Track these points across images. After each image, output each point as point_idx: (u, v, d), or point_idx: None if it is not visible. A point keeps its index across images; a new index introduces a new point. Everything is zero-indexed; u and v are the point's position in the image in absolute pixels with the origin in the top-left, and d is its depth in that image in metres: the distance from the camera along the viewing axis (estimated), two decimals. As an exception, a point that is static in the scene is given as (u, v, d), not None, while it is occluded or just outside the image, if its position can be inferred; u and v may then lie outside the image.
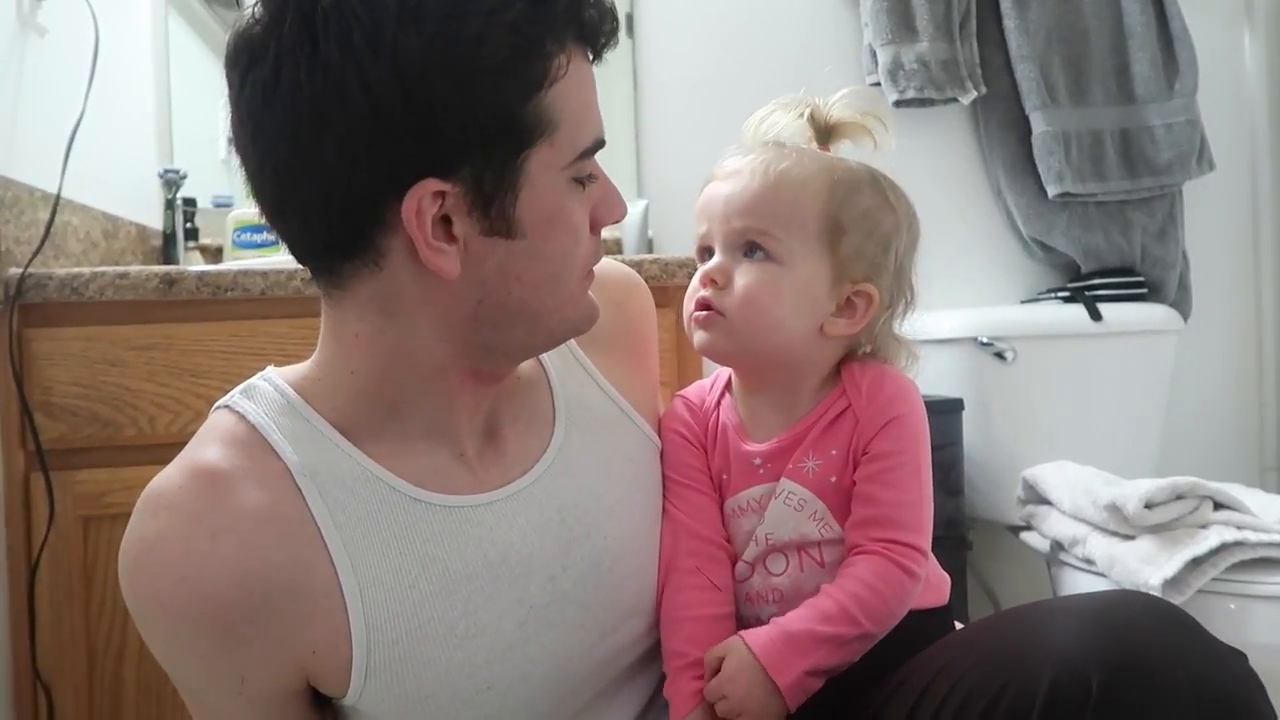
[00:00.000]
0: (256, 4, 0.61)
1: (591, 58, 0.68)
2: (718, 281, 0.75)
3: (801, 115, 0.80)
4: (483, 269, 0.64)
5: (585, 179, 0.67)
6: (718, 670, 0.70)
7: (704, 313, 0.75)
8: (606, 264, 0.83)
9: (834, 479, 0.74)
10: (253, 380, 0.70)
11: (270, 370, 0.71)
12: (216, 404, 0.70)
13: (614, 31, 0.68)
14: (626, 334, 0.83)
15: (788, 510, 0.75)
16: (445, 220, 0.62)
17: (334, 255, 0.64)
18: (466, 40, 0.59)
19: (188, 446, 0.67)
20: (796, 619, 0.70)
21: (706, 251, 0.77)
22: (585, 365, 0.80)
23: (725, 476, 0.78)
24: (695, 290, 0.76)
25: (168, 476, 0.64)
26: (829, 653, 0.69)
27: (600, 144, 0.68)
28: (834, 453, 0.74)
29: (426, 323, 0.66)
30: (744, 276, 0.74)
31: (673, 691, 0.74)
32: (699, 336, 0.76)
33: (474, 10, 0.59)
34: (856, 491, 0.73)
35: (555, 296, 0.68)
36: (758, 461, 0.77)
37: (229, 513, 0.63)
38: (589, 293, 0.71)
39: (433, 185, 0.60)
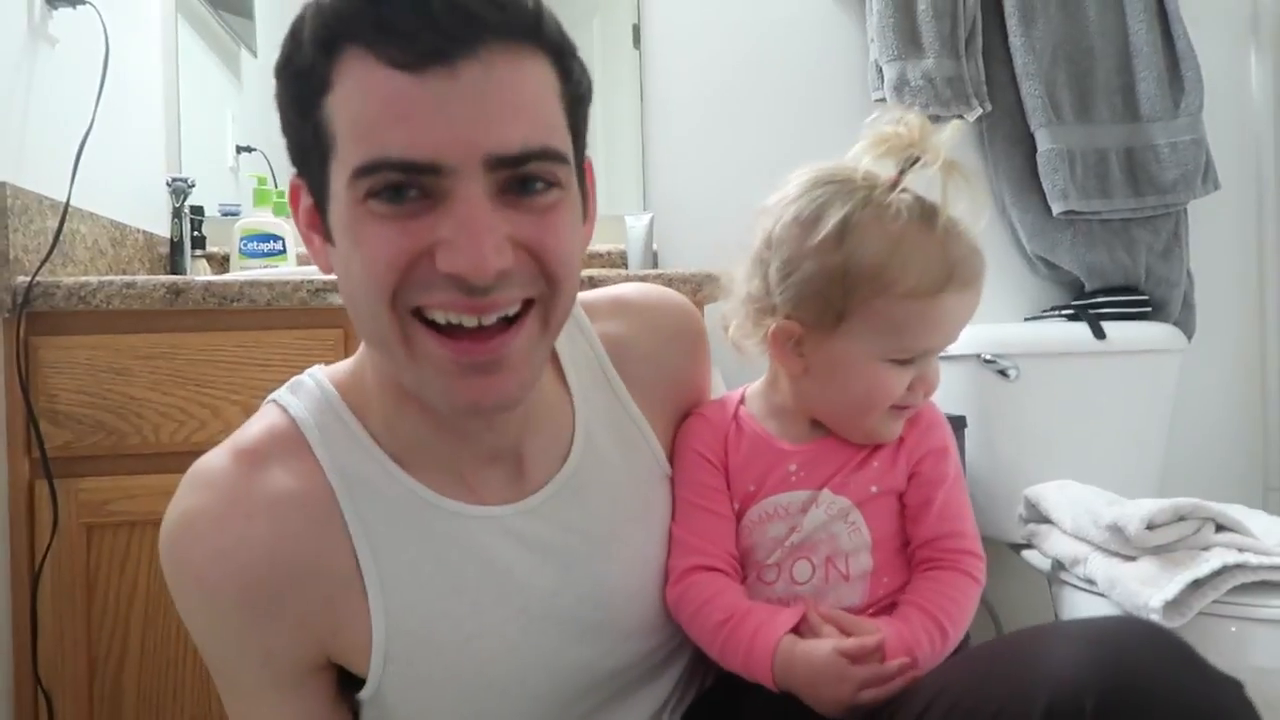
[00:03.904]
0: None
1: (410, 65, 0.56)
2: None
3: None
4: (335, 269, 0.65)
5: (381, 196, 0.58)
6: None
7: (910, 409, 0.79)
8: (656, 290, 0.86)
9: (874, 489, 0.79)
10: (300, 376, 0.74)
11: (318, 368, 0.75)
12: (268, 397, 0.74)
13: (431, 31, 0.55)
14: (664, 363, 0.83)
15: (827, 519, 0.78)
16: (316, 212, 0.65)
17: None
18: (287, 43, 0.60)
19: (236, 432, 0.71)
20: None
21: (912, 359, 0.77)
22: (614, 383, 0.80)
23: (752, 488, 0.80)
24: (906, 396, 0.77)
25: (213, 456, 0.69)
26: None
27: (388, 166, 0.57)
28: (876, 465, 0.79)
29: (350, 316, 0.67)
30: (936, 371, 0.79)
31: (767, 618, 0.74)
32: (898, 429, 0.80)
33: (294, 28, 0.60)
34: (916, 510, 0.79)
35: (360, 319, 0.63)
36: (793, 467, 0.79)
37: (265, 496, 0.67)
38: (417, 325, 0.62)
39: (299, 180, 0.65)
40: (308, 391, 0.72)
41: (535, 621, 0.72)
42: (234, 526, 0.66)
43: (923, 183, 0.75)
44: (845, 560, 0.77)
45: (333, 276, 0.65)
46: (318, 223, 0.64)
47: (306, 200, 0.65)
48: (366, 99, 0.57)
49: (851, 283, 0.73)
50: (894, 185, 0.75)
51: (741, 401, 0.84)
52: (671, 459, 0.82)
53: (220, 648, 0.69)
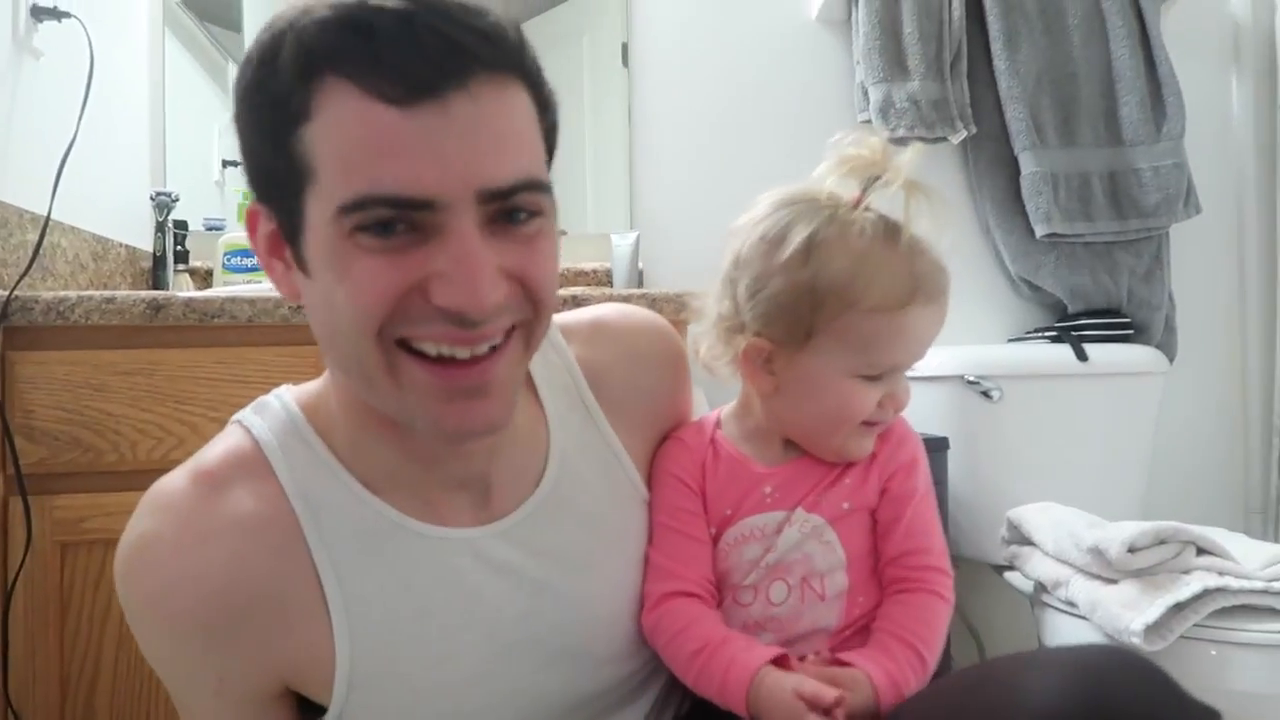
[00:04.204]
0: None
1: (399, 100, 0.55)
2: None
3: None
4: (306, 298, 0.63)
5: (370, 230, 0.57)
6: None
7: (880, 426, 0.80)
8: (636, 313, 0.85)
9: (847, 505, 0.79)
10: (265, 397, 0.73)
11: (285, 388, 0.73)
12: (232, 418, 0.72)
13: (413, 64, 0.55)
14: (643, 388, 0.83)
15: (801, 537, 0.78)
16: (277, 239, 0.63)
17: None
18: (254, 65, 0.59)
19: (197, 453, 0.70)
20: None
21: (881, 375, 0.77)
22: (591, 408, 0.80)
23: (729, 511, 0.80)
24: (876, 412, 0.78)
25: (172, 478, 0.67)
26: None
27: (380, 201, 0.56)
28: (848, 482, 0.79)
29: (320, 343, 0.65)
30: (906, 388, 0.80)
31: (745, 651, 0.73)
32: (869, 446, 0.80)
33: (263, 55, 0.58)
34: (886, 526, 0.79)
35: (339, 350, 0.62)
36: (768, 489, 0.79)
37: (222, 520, 0.65)
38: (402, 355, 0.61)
39: (259, 206, 0.63)
40: (273, 413, 0.71)
41: (505, 647, 0.71)
42: (192, 551, 0.64)
43: (887, 203, 0.77)
44: (821, 580, 0.78)
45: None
46: (280, 250, 0.63)
47: (267, 226, 0.63)
48: (353, 133, 0.56)
49: (819, 299, 0.74)
50: (857, 204, 0.76)
51: (717, 425, 0.85)
52: (649, 483, 0.82)
53: (175, 672, 0.69)
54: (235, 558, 0.65)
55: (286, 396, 0.72)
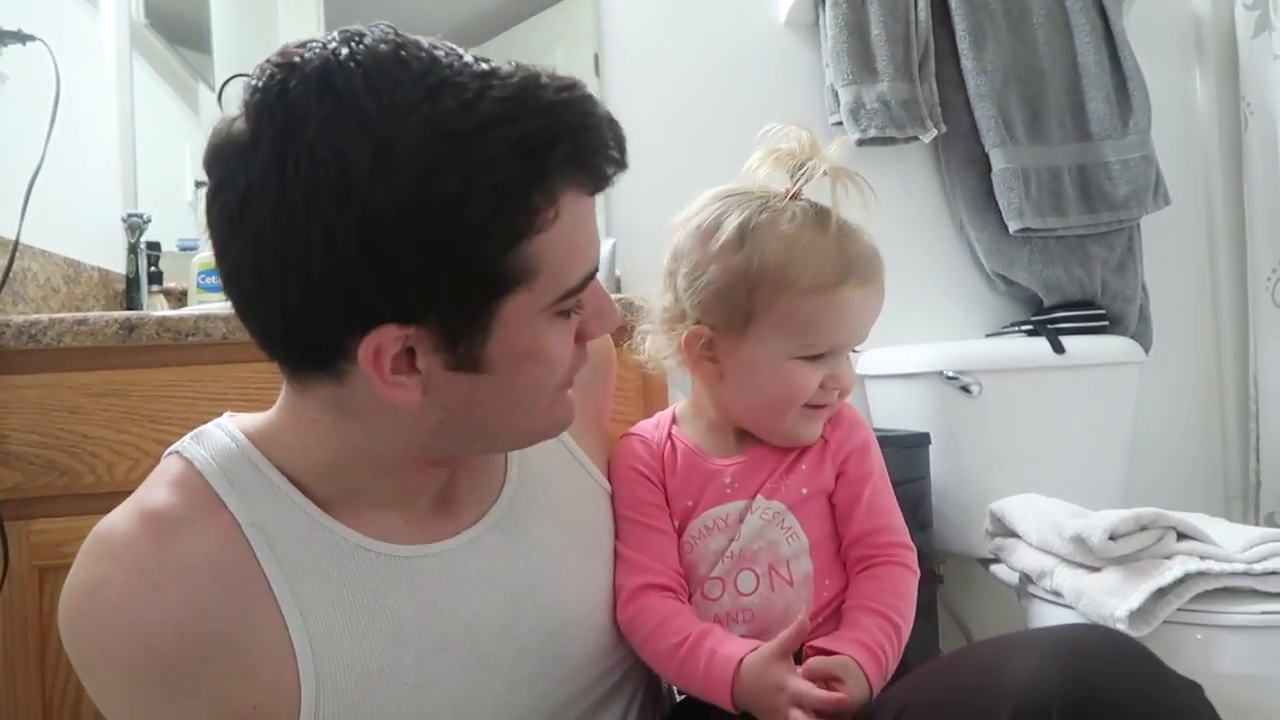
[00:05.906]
0: (240, 113, 0.58)
1: (599, 190, 0.64)
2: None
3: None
4: (445, 399, 0.63)
5: (571, 309, 0.65)
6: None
7: (826, 409, 0.82)
8: None
9: (805, 491, 0.80)
10: (206, 426, 0.70)
11: (226, 417, 0.70)
12: (169, 449, 0.69)
13: (621, 162, 0.64)
14: (585, 387, 0.83)
15: (762, 524, 0.79)
16: (410, 352, 0.61)
17: (294, 364, 0.64)
18: (441, 202, 0.56)
19: (137, 491, 0.66)
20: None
21: (821, 356, 0.79)
22: None
23: (690, 503, 0.81)
24: (819, 394, 0.80)
25: (113, 523, 0.64)
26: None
27: (592, 275, 0.65)
28: (804, 468, 0.81)
29: (384, 430, 0.65)
30: (849, 369, 0.82)
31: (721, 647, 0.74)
32: (817, 429, 0.81)
33: (453, 170, 0.56)
34: (846, 508, 0.81)
35: (520, 417, 0.67)
36: (728, 479, 0.81)
37: (173, 563, 0.62)
38: (566, 395, 0.70)
39: (393, 331, 0.59)
40: (215, 440, 0.68)
41: (485, 662, 0.70)
42: (145, 599, 0.60)
43: (822, 195, 0.80)
44: (787, 566, 0.79)
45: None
46: (411, 362, 0.61)
47: (394, 347, 0.60)
48: (578, 228, 0.62)
49: (754, 283, 0.76)
50: (788, 194, 0.79)
51: (673, 421, 0.86)
52: (609, 478, 0.83)
53: None
54: (191, 602, 0.61)
55: (230, 425, 0.69)
